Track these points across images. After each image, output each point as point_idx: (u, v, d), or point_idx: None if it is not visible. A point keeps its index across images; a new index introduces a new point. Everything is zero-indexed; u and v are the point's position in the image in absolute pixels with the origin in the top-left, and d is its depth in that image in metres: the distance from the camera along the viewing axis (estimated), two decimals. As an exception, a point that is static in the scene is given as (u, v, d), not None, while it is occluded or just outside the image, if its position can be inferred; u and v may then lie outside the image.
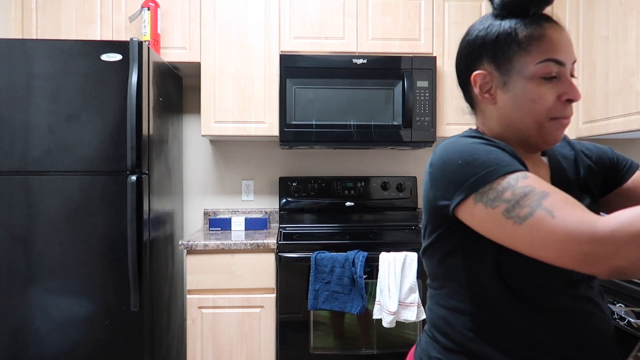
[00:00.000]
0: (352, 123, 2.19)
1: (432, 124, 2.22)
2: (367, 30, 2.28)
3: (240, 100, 2.25)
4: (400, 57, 2.21)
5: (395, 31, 2.29)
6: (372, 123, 2.19)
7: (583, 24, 2.17)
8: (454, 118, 2.31)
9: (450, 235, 0.74)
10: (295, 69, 2.18)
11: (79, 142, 1.81)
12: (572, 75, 0.75)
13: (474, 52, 0.79)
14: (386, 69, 2.20)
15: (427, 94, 2.21)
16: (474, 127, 0.89)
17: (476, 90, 0.79)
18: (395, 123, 2.20)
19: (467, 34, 0.80)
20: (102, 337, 1.83)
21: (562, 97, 0.72)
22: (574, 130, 2.24)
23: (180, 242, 1.99)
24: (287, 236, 2.15)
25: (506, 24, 0.75)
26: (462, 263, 0.73)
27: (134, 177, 1.78)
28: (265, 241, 2.00)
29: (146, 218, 1.89)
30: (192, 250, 1.99)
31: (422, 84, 2.22)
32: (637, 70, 1.81)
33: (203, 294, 2.00)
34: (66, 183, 1.81)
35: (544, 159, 0.84)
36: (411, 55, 2.24)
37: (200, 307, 2.00)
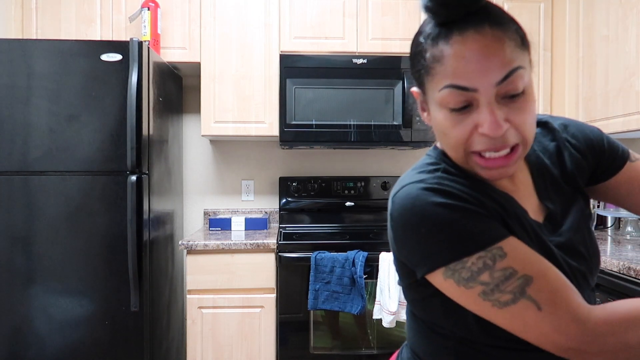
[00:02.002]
0: (352, 123, 2.19)
1: (432, 124, 2.22)
2: (367, 30, 2.28)
3: (240, 100, 2.25)
4: (400, 57, 2.21)
5: (395, 31, 2.29)
6: (372, 123, 2.19)
7: (583, 24, 2.17)
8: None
9: (424, 284, 0.66)
10: (295, 69, 2.18)
11: (79, 142, 1.81)
12: (512, 96, 0.58)
13: (410, 67, 0.68)
14: (386, 69, 2.20)
15: (427, 94, 2.21)
16: None
17: (418, 107, 0.69)
18: (395, 123, 2.20)
19: None
20: (102, 337, 1.83)
21: (478, 128, 0.59)
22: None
23: (180, 242, 1.99)
24: (287, 236, 2.15)
25: (419, 38, 0.63)
26: (441, 308, 0.66)
27: (134, 177, 1.78)
28: (265, 241, 2.00)
29: (146, 218, 1.89)
30: (192, 250, 1.99)
31: (422, 84, 2.22)
32: (637, 70, 1.81)
33: (203, 294, 2.00)
34: (66, 183, 1.81)
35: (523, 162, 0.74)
36: (411, 55, 2.24)
37: (200, 307, 2.00)
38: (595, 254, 0.71)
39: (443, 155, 0.69)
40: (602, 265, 1.55)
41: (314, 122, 2.18)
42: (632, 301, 0.57)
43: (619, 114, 1.91)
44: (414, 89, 0.68)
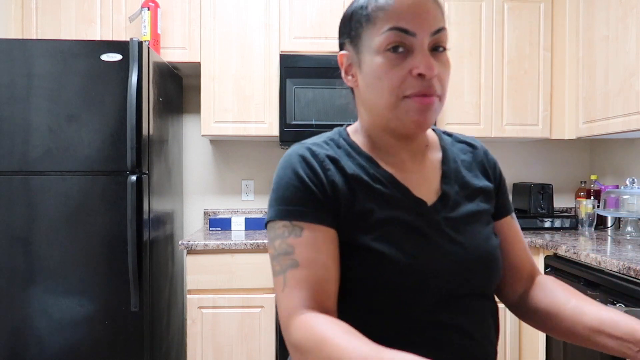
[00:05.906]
0: (351, 123, 2.18)
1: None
2: (367, 30, 2.28)
3: (240, 100, 2.25)
4: (400, 57, 2.21)
5: (395, 31, 2.28)
6: (372, 123, 2.19)
7: (583, 24, 2.17)
8: (454, 118, 2.30)
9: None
10: (295, 69, 2.18)
11: (79, 142, 1.81)
12: (439, 47, 0.65)
13: (340, 30, 0.73)
14: (386, 69, 2.20)
15: (427, 94, 2.22)
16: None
17: (342, 72, 0.73)
18: (395, 123, 2.20)
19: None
20: (102, 337, 1.83)
21: (413, 71, 0.63)
22: (573, 130, 2.24)
23: (180, 242, 1.99)
24: (287, 236, 2.15)
25: (359, 2, 0.68)
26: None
27: (134, 177, 1.78)
28: (265, 241, 1.99)
29: (146, 218, 1.89)
30: (192, 250, 1.99)
31: (422, 84, 2.22)
32: (637, 70, 1.81)
33: (203, 294, 2.00)
34: (66, 183, 1.81)
35: (438, 154, 0.76)
36: (411, 55, 2.24)
37: (200, 307, 2.00)
38: (477, 252, 0.69)
39: (345, 133, 0.77)
40: (602, 265, 1.54)
41: (314, 122, 2.18)
42: (329, 328, 0.56)
43: (619, 114, 1.91)
44: (342, 52, 0.72)
